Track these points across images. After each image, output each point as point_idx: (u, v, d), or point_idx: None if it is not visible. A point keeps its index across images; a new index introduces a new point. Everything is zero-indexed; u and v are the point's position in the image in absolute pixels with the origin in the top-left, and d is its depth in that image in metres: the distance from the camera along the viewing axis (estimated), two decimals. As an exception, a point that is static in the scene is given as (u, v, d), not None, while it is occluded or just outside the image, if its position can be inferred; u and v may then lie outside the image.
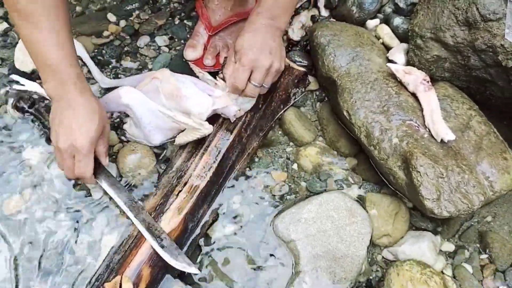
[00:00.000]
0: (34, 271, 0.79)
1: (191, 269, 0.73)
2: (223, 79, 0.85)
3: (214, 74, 0.88)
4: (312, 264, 0.80)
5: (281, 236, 0.83)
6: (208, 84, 0.86)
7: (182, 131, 0.84)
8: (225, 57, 0.89)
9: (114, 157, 0.89)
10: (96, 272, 0.78)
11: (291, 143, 0.95)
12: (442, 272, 0.85)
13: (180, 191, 0.80)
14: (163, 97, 0.82)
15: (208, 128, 0.81)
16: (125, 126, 0.90)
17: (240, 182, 0.90)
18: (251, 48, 0.79)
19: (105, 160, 0.81)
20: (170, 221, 0.78)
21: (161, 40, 1.03)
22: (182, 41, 1.03)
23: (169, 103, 0.83)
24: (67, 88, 0.74)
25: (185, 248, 0.81)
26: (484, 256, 0.89)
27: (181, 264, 0.73)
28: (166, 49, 1.03)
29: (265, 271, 0.81)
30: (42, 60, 0.73)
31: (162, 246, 0.73)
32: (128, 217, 0.79)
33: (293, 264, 0.81)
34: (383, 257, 0.85)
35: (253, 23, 0.80)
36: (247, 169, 0.91)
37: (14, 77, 0.92)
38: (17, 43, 0.99)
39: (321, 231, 0.82)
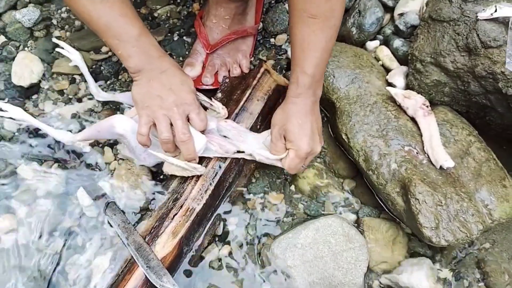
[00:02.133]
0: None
1: None
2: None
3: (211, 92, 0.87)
4: (308, 291, 0.78)
5: (277, 261, 0.82)
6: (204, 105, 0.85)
7: None
8: (224, 78, 0.88)
9: (111, 175, 0.88)
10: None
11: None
12: (440, 300, 0.84)
13: (175, 214, 0.79)
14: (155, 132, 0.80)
15: (201, 171, 0.81)
16: (119, 147, 0.89)
17: (236, 203, 0.88)
18: (306, 140, 0.78)
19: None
20: (164, 245, 0.76)
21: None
22: (181, 58, 1.03)
23: None
24: (154, 55, 0.76)
25: (178, 270, 0.79)
26: (482, 284, 0.88)
27: (165, 285, 0.72)
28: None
29: (260, 297, 0.80)
30: (124, 35, 0.73)
31: (149, 267, 0.73)
32: (121, 239, 0.78)
33: (289, 291, 0.80)
34: (380, 283, 0.84)
35: (296, 105, 0.77)
36: (244, 189, 0.90)
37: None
38: (14, 57, 0.98)
39: (318, 257, 0.81)
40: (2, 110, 0.88)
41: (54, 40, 0.96)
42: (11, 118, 0.87)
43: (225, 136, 0.83)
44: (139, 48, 0.74)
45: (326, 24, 0.71)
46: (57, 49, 0.95)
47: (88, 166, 0.90)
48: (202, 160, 0.83)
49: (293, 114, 0.77)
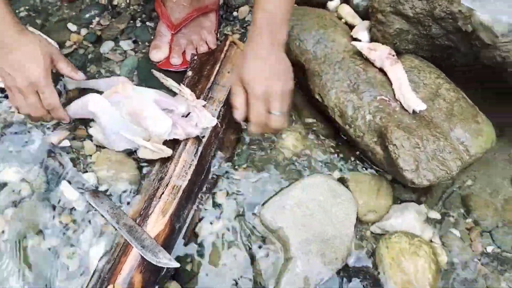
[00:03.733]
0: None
1: (172, 263, 0.74)
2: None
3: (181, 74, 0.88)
4: (302, 249, 0.80)
5: (268, 225, 0.83)
6: (172, 90, 0.86)
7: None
8: (192, 56, 0.88)
9: (93, 166, 0.88)
10: (88, 285, 0.77)
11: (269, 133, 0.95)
12: (431, 241, 0.86)
13: (162, 193, 0.80)
14: (125, 113, 0.82)
15: (167, 153, 0.83)
16: (91, 131, 0.90)
17: (222, 177, 0.89)
18: (260, 79, 0.75)
19: (77, 75, 0.87)
20: (155, 224, 0.77)
21: (126, 44, 1.02)
22: (147, 43, 1.02)
23: (131, 119, 0.83)
24: (5, 27, 0.76)
25: (175, 248, 0.81)
26: (469, 219, 0.90)
27: (162, 261, 0.73)
28: (132, 53, 1.02)
29: (256, 262, 0.82)
30: None
31: (143, 247, 0.74)
32: (112, 225, 0.79)
33: (284, 251, 0.82)
34: (371, 232, 0.86)
35: (253, 48, 0.76)
36: (228, 163, 0.91)
37: None
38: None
39: (307, 215, 0.83)
40: None
41: None
42: None
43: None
44: None
45: None
46: None
47: (71, 161, 0.90)
48: (178, 141, 0.84)
49: (248, 55, 0.76)
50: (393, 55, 0.89)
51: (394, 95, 0.87)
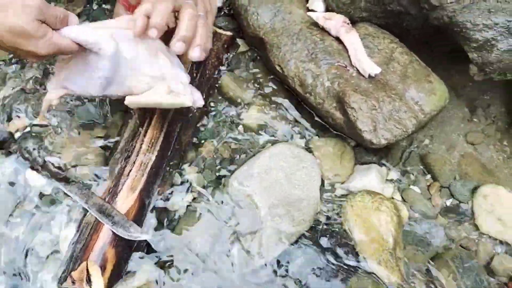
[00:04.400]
0: (-1, 282, 0.78)
1: (143, 236, 0.76)
2: None
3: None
4: (271, 213, 0.83)
5: (237, 193, 0.85)
6: None
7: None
8: None
9: (56, 148, 0.88)
10: (61, 266, 0.78)
11: (232, 107, 0.97)
12: (392, 197, 0.90)
13: (130, 170, 0.81)
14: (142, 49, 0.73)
15: (189, 101, 0.75)
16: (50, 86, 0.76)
17: (189, 152, 0.91)
18: None
19: (72, 18, 0.69)
20: (124, 201, 0.78)
21: (83, 28, 1.01)
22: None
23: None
24: None
25: (146, 223, 0.82)
26: (428, 176, 0.95)
27: (133, 234, 0.75)
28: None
29: (229, 229, 0.84)
30: None
31: (114, 223, 0.75)
32: (82, 206, 0.80)
33: (254, 217, 0.84)
34: (336, 194, 0.90)
35: None
36: (194, 138, 0.92)
37: None
38: None
39: (274, 181, 0.86)
40: None
41: None
42: None
43: None
44: None
45: None
46: None
47: (32, 146, 0.89)
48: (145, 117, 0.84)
49: None
50: (348, 23, 0.92)
51: (351, 62, 0.90)
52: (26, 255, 0.81)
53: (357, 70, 0.89)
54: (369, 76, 0.88)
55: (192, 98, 0.76)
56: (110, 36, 0.70)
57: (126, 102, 0.75)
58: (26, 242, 0.82)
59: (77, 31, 0.68)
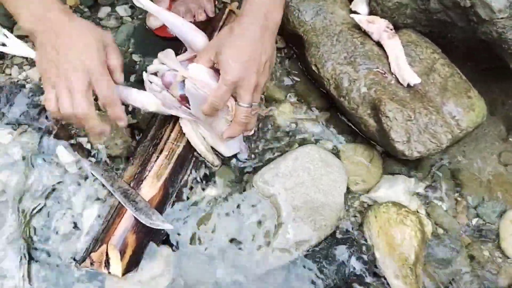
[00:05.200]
0: (20, 254, 0.79)
1: (165, 225, 0.76)
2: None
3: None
4: (293, 215, 0.82)
5: (261, 192, 0.85)
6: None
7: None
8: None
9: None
10: (82, 246, 0.79)
11: (264, 103, 0.96)
12: (417, 211, 0.88)
13: (157, 157, 0.81)
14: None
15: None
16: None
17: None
18: (238, 62, 0.66)
19: (119, 76, 0.70)
20: (150, 188, 0.78)
21: (122, 10, 1.01)
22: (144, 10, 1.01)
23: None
24: (53, 14, 0.64)
25: (168, 212, 0.82)
26: (456, 193, 0.93)
27: (155, 222, 0.75)
28: (129, 19, 1.01)
29: (249, 226, 0.83)
30: None
31: (137, 209, 0.75)
32: (106, 188, 0.80)
33: (276, 217, 0.84)
34: (360, 202, 0.88)
35: (243, 26, 0.67)
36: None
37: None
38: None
39: (299, 183, 0.84)
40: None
41: None
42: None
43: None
44: (35, 3, 0.64)
45: None
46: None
47: (63, 126, 0.90)
48: None
49: (232, 36, 0.67)
50: (391, 29, 0.89)
51: (390, 69, 0.88)
52: (47, 231, 0.82)
53: (396, 78, 0.87)
54: (408, 85, 0.85)
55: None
56: (156, 104, 0.77)
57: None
58: (48, 217, 0.83)
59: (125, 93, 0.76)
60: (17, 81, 0.93)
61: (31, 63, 0.96)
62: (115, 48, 0.70)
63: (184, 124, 0.81)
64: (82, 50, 0.65)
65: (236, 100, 0.71)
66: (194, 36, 0.78)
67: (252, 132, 0.87)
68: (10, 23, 0.98)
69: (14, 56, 0.96)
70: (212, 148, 0.85)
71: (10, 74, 0.94)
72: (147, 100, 0.78)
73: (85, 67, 0.64)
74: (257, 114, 0.76)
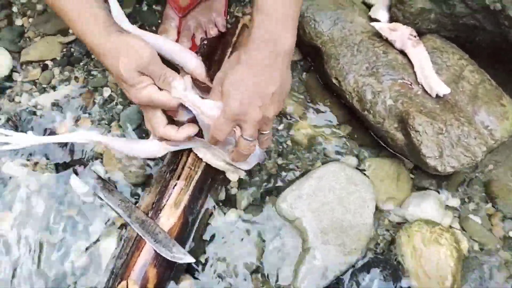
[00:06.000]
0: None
1: (187, 258, 0.72)
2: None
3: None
4: (320, 239, 0.78)
5: (285, 216, 0.80)
6: None
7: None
8: (202, 39, 0.84)
9: (101, 159, 0.85)
10: (100, 280, 0.76)
11: (283, 119, 0.91)
12: (450, 226, 0.83)
13: (175, 184, 0.77)
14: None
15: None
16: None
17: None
18: (237, 96, 0.61)
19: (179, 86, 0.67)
20: (169, 217, 0.74)
21: (132, 29, 0.97)
22: (154, 28, 0.98)
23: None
24: (113, 32, 0.63)
25: (189, 241, 0.78)
26: (490, 205, 0.88)
27: (176, 255, 0.71)
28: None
29: (273, 253, 0.79)
30: (86, 11, 0.62)
31: (157, 241, 0.71)
32: (123, 219, 0.77)
33: (301, 242, 0.79)
34: (389, 220, 0.84)
35: (246, 55, 0.61)
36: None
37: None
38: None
39: (325, 204, 0.80)
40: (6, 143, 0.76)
41: None
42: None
43: None
44: (101, 26, 0.63)
45: None
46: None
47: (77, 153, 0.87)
48: None
49: (237, 66, 0.62)
50: (415, 36, 0.84)
51: (416, 78, 0.83)
52: (63, 264, 0.79)
53: (423, 88, 0.82)
54: (437, 95, 0.81)
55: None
56: (163, 148, 0.75)
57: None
58: (65, 251, 0.80)
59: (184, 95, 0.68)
60: (26, 108, 0.90)
61: (40, 89, 0.93)
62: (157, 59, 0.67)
63: (198, 151, 0.78)
64: (126, 58, 0.64)
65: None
66: (182, 58, 0.74)
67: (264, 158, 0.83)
68: (17, 48, 0.96)
69: (23, 82, 0.94)
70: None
71: (20, 102, 0.92)
72: (154, 148, 0.74)
73: (119, 77, 0.65)
74: (270, 140, 0.72)
